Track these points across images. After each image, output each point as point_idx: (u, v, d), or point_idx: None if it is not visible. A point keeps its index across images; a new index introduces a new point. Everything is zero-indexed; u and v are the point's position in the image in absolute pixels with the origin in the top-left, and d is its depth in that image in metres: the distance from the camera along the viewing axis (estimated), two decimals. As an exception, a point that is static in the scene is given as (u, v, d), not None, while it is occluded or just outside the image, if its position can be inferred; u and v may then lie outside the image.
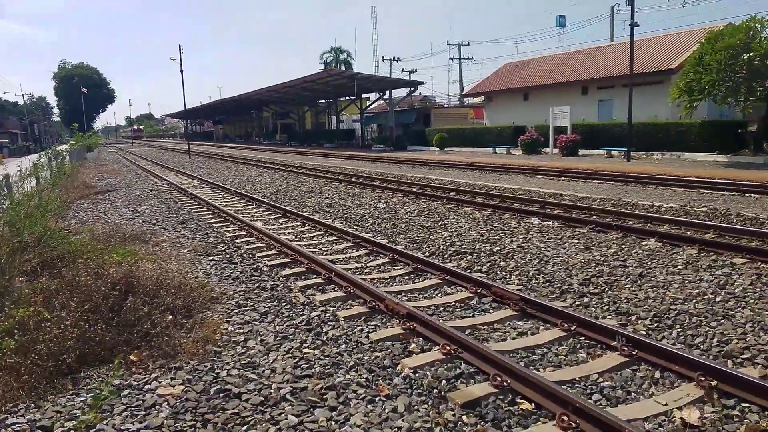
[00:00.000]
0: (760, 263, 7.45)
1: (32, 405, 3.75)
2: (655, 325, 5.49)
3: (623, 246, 8.67)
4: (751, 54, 20.30)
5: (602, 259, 7.93)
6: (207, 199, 15.46)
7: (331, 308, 6.19)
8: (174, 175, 25.98)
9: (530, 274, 7.38)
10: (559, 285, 6.88)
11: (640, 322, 5.62)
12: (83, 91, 79.64)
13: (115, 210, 14.34)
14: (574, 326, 5.37)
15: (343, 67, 70.71)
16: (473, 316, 6.04)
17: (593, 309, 6.05)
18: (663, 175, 17.41)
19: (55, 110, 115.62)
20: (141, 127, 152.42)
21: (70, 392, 3.98)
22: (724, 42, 20.96)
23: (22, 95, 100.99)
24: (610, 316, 5.83)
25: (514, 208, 12.40)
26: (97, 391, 3.42)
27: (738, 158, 22.72)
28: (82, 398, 3.85)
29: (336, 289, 6.92)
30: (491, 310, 6.16)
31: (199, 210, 14.06)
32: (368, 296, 6.40)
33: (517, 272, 7.51)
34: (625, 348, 4.80)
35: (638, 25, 24.02)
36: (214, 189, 19.06)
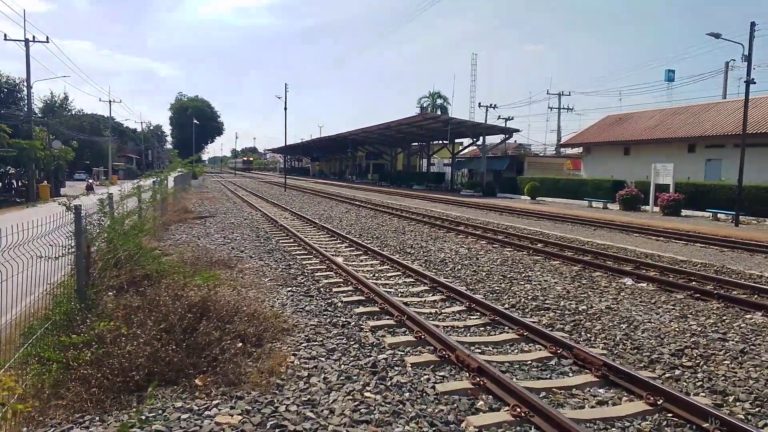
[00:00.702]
0: None
1: (97, 418, 3.84)
2: (757, 409, 4.85)
3: (724, 317, 7.88)
4: None
5: (699, 329, 7.23)
6: (295, 231, 15.87)
7: (400, 352, 6.01)
8: (268, 206, 27.04)
9: (617, 338, 6.85)
10: (648, 353, 6.32)
11: (738, 404, 5.00)
12: (195, 122, 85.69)
13: (209, 235, 15.04)
14: (662, 401, 4.86)
15: (438, 112, 71.58)
16: (550, 377, 5.64)
17: (685, 384, 5.47)
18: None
19: (169, 138, 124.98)
20: (251, 159, 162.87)
21: (133, 409, 4.06)
22: None
23: (141, 123, 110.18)
24: (703, 394, 5.24)
25: (606, 266, 11.71)
26: (126, 419, 3.42)
27: None
28: (143, 417, 3.90)
29: (407, 332, 6.74)
30: (570, 374, 5.73)
31: (286, 241, 14.43)
32: (439, 344, 6.17)
33: (603, 335, 6.99)
34: (720, 432, 4.27)
35: (755, 83, 22.47)
36: (303, 222, 19.58)
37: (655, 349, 6.41)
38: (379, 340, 6.39)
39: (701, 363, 5.99)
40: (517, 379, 5.50)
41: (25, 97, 40.20)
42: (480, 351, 6.30)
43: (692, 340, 6.73)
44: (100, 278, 6.43)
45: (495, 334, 6.97)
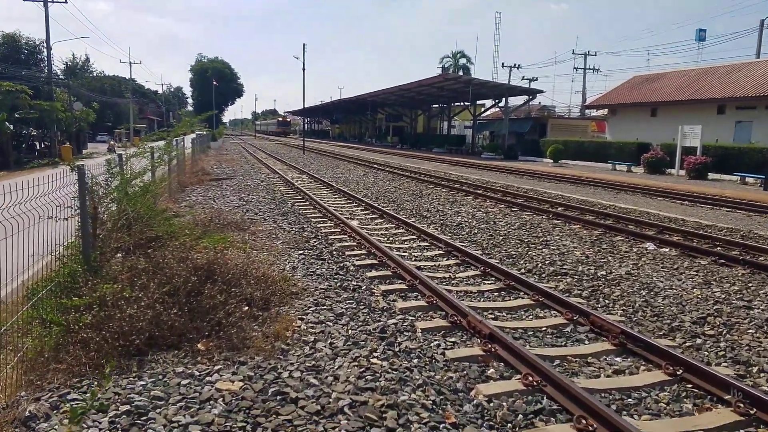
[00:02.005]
0: None
1: (95, 383, 3.77)
2: (783, 382, 4.63)
3: (750, 284, 7.57)
4: None
5: (723, 296, 6.95)
6: (311, 194, 15.73)
7: (410, 317, 5.87)
8: (286, 168, 26.91)
9: (637, 305, 6.62)
10: (668, 321, 6.10)
11: (762, 375, 4.78)
12: (215, 83, 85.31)
13: (224, 197, 14.98)
14: (681, 371, 4.66)
15: (461, 72, 70.11)
16: (565, 345, 5.46)
17: (706, 353, 5.26)
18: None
19: (190, 100, 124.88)
20: (288, 119, 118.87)
21: (134, 374, 3.98)
22: None
23: (161, 85, 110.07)
24: (725, 364, 5.03)
25: (627, 230, 11.38)
26: (78, 401, 3.29)
27: None
28: (142, 383, 3.83)
29: (419, 297, 6.60)
30: (586, 341, 5.54)
31: (301, 204, 14.31)
32: (451, 309, 6.01)
33: (621, 302, 6.76)
34: (741, 404, 4.07)
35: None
36: (319, 185, 19.43)
37: (676, 317, 6.18)
38: (390, 304, 6.25)
39: (724, 332, 5.75)
40: (530, 346, 5.33)
41: (46, 59, 40.21)
42: (493, 317, 6.14)
43: (715, 307, 6.47)
44: (107, 240, 6.35)
45: (509, 300, 6.79)
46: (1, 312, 4.13)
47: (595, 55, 62.35)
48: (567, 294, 7.03)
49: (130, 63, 74.24)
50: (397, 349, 4.85)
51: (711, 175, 26.62)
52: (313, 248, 8.93)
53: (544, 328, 5.84)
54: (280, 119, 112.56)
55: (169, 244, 6.51)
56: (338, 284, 6.79)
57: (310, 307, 5.77)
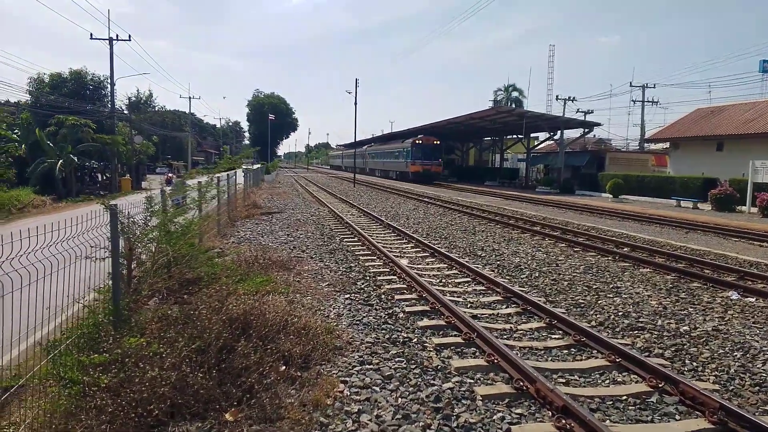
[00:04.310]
0: None
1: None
2: None
3: None
4: None
5: (840, 363, 5.92)
6: (360, 229, 15.24)
7: (468, 380, 5.16)
8: (336, 202, 26.67)
9: (732, 370, 5.69)
10: (774, 393, 5.14)
11: None
12: (271, 117, 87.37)
13: (273, 232, 14.66)
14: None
15: (513, 105, 69.28)
16: (651, 420, 4.63)
17: (835, 443, 4.30)
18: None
19: (247, 134, 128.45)
20: (436, 141, 52.93)
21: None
22: None
23: (220, 119, 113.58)
24: None
25: (704, 276, 10.31)
26: None
27: None
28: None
29: (477, 354, 5.87)
30: (677, 416, 4.70)
31: (350, 240, 13.82)
32: (515, 372, 5.27)
33: (713, 365, 5.84)
34: None
35: None
36: (369, 219, 18.95)
37: (784, 389, 5.22)
38: (445, 362, 5.55)
39: None
40: (610, 421, 4.54)
41: (109, 94, 41.91)
42: (563, 381, 5.35)
43: (832, 378, 5.47)
44: (144, 282, 5.95)
45: (581, 360, 5.97)
46: (21, 366, 3.71)
47: (654, 87, 60.24)
48: (647, 353, 6.16)
49: (190, 98, 76.61)
50: (454, 425, 4.14)
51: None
52: (361, 291, 8.34)
53: (624, 397, 5.02)
54: (419, 140, 51.79)
55: (207, 289, 6.04)
56: (386, 336, 6.14)
57: (355, 366, 5.14)
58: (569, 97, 55.29)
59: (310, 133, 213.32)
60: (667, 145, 42.78)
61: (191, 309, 5.20)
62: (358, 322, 6.64)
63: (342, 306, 7.36)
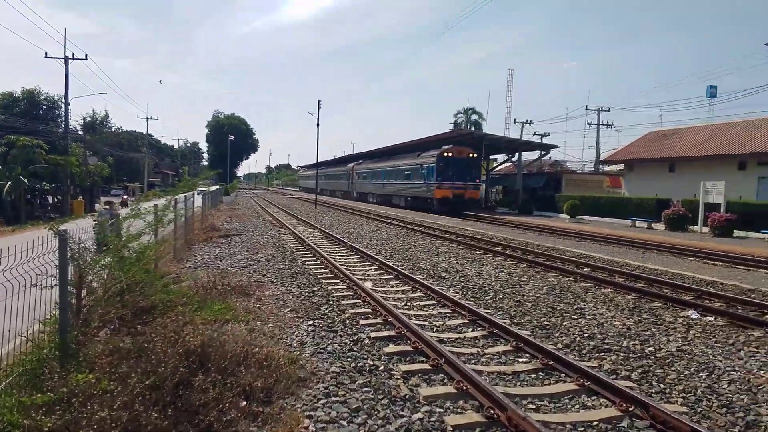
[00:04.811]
0: None
1: None
2: None
3: (827, 366, 6.61)
4: None
5: (799, 381, 6.00)
6: (322, 251, 14.99)
7: (438, 409, 4.99)
8: (297, 224, 26.32)
9: (698, 391, 5.69)
10: (741, 414, 5.16)
11: None
12: (231, 138, 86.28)
13: (232, 256, 14.27)
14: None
15: (473, 128, 70.43)
16: (624, 447, 4.54)
17: (804, 464, 4.31)
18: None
19: (206, 155, 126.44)
20: (472, 154, 37.71)
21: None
22: None
23: (178, 140, 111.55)
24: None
25: (664, 295, 10.48)
26: None
27: None
28: None
29: (446, 381, 5.72)
30: (649, 442, 4.62)
31: (312, 263, 13.56)
32: (485, 399, 5.13)
33: (680, 386, 5.84)
34: None
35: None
36: (331, 241, 18.71)
37: (750, 409, 5.24)
38: (413, 391, 5.38)
39: (816, 432, 4.79)
40: (583, 449, 4.43)
41: (63, 114, 40.73)
42: (533, 407, 5.24)
43: (795, 398, 5.53)
44: (93, 313, 5.60)
45: (550, 383, 5.89)
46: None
47: (608, 110, 62.25)
48: (614, 376, 6.12)
49: (147, 118, 74.98)
50: (425, 459, 3.96)
51: (736, 233, 25.61)
52: (324, 317, 8.11)
53: (595, 423, 4.93)
54: (448, 152, 37.32)
55: (162, 319, 5.73)
56: (352, 365, 5.93)
57: (320, 398, 4.91)
58: (527, 120, 56.40)
59: (271, 154, 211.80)
60: (621, 166, 44.09)
61: (145, 341, 4.89)
62: (322, 350, 6.40)
63: (305, 333, 7.11)
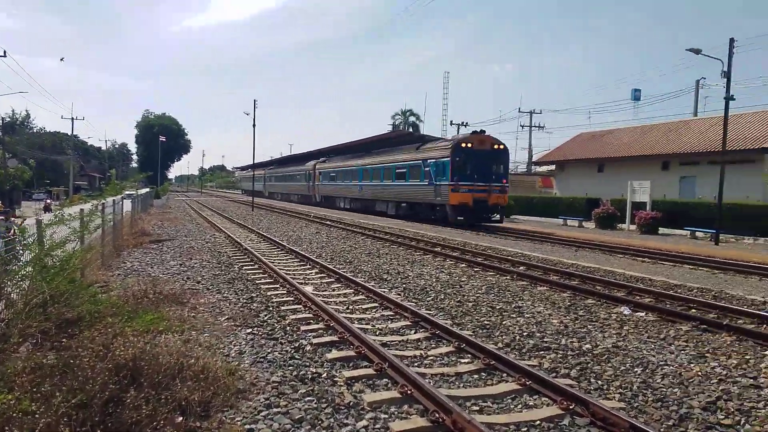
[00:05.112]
0: None
1: None
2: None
3: (746, 356, 6.98)
4: None
5: (724, 372, 6.30)
6: (260, 255, 14.63)
7: (383, 416, 4.90)
8: (233, 227, 25.66)
9: (635, 387, 5.86)
10: (675, 407, 5.33)
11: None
12: (162, 139, 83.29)
13: (164, 262, 13.69)
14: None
15: (410, 129, 71.14)
16: (566, 445, 4.60)
17: (733, 452, 4.49)
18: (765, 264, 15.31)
19: (135, 157, 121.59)
20: (501, 146, 28.70)
21: None
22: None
23: (105, 141, 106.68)
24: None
25: (597, 292, 10.83)
26: None
27: None
28: None
29: (390, 386, 5.63)
30: (591, 439, 4.70)
31: (250, 267, 13.20)
32: (431, 403, 5.07)
33: (616, 382, 5.99)
34: None
35: (734, 99, 22.20)
36: (269, 245, 18.32)
37: (683, 402, 5.43)
38: (357, 398, 5.26)
39: (742, 421, 5.02)
40: (528, 449, 4.45)
41: (-24, 114, 38.12)
42: (478, 409, 5.23)
43: (722, 388, 5.78)
44: (12, 327, 5.17)
45: (492, 384, 5.91)
46: None
47: (540, 113, 64.46)
48: (554, 374, 6.22)
49: (72, 119, 70.87)
50: (372, 469, 3.86)
51: (661, 230, 27.00)
52: (264, 324, 7.86)
53: (538, 422, 4.97)
54: (467, 142, 28.08)
55: (90, 331, 5.35)
56: (294, 373, 5.75)
57: (261, 410, 4.71)
58: (462, 122, 57.48)
59: (204, 155, 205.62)
60: (553, 167, 45.65)
61: (71, 355, 4.54)
62: (262, 359, 6.18)
63: (244, 342, 6.85)
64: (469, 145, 27.71)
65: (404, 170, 32.57)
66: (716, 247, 21.54)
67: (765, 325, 8.61)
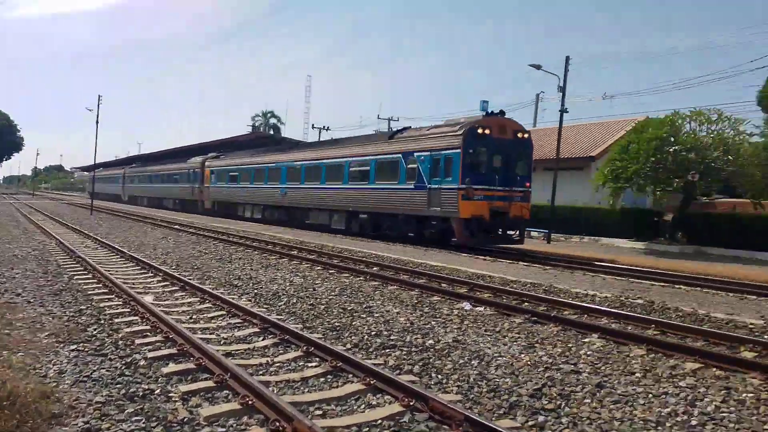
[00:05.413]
0: (716, 369, 6.69)
1: None
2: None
3: (568, 344, 7.70)
4: (677, 147, 21.12)
5: (550, 360, 6.87)
6: (96, 263, 13.36)
7: (220, 429, 4.65)
8: (68, 233, 23.28)
9: (471, 379, 6.17)
10: (506, 396, 5.69)
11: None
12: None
13: (-23, 274, 11.99)
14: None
15: (271, 131, 69.90)
16: (406, 442, 4.70)
17: (551, 433, 4.88)
18: (587, 259, 17.17)
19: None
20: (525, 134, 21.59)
21: None
22: (650, 133, 21.78)
23: None
24: (574, 445, 4.67)
25: (442, 290, 11.38)
26: None
27: (654, 246, 23.21)
28: None
29: (230, 398, 5.37)
30: (429, 434, 4.84)
31: (82, 277, 12.00)
32: (272, 412, 4.91)
33: (455, 376, 6.27)
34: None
35: (567, 111, 24.63)
36: (108, 251, 16.85)
37: (513, 390, 5.81)
38: (193, 413, 4.94)
39: (562, 404, 5.48)
40: (368, 450, 4.47)
41: None
42: (320, 413, 5.18)
43: (547, 375, 6.29)
44: None
45: (338, 387, 5.89)
46: None
47: (398, 120, 66.48)
48: (398, 371, 6.36)
49: None
50: (201, 489, 3.62)
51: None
52: (92, 339, 7.12)
53: (379, 421, 5.02)
54: (485, 127, 20.07)
55: None
56: (122, 392, 5.25)
57: (78, 437, 4.24)
58: (324, 126, 57.66)
59: (38, 154, 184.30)
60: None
61: None
62: (86, 379, 5.58)
63: (66, 360, 6.15)
64: (487, 131, 19.89)
65: (366, 168, 24.13)
66: (549, 246, 23.74)
67: (585, 315, 9.59)
